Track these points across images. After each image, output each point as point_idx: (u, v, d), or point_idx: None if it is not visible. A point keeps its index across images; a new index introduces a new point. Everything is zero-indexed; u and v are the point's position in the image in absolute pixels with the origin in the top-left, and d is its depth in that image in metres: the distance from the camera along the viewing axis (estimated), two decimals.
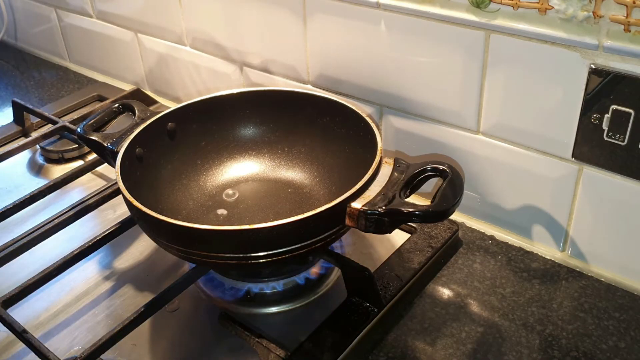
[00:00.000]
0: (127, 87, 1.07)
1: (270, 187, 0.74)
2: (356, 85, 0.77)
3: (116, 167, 0.63)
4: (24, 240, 0.70)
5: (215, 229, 0.55)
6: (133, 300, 0.66)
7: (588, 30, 0.56)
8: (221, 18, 0.87)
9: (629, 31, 0.54)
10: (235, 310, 0.64)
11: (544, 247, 0.69)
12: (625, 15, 0.53)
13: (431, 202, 0.54)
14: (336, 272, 0.67)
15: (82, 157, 0.90)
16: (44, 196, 0.77)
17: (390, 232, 0.57)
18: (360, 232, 0.57)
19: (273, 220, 0.53)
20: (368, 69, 0.74)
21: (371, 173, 0.58)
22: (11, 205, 0.74)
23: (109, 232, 0.69)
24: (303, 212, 0.54)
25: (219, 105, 0.74)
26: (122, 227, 0.70)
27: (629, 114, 0.56)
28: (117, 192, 0.75)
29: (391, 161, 0.60)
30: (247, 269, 0.64)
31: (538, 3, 0.58)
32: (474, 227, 0.73)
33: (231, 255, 0.56)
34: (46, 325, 0.63)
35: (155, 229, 0.59)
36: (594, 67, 0.57)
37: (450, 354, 0.58)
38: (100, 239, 0.68)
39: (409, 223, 0.71)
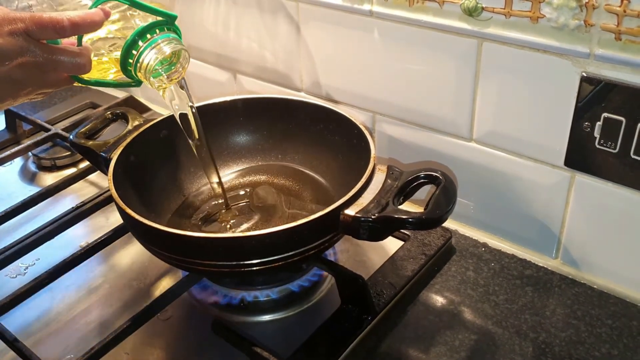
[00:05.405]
0: (120, 95, 1.07)
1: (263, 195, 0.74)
2: (349, 93, 0.77)
3: (109, 174, 0.63)
4: (16, 248, 0.69)
5: (208, 236, 0.55)
6: (125, 308, 0.65)
7: (579, 38, 0.56)
8: (215, 26, 0.87)
9: (620, 39, 0.54)
10: (229, 318, 0.63)
11: (537, 255, 0.69)
12: (616, 23, 0.54)
13: (424, 209, 0.54)
14: (330, 280, 0.67)
15: (74, 164, 0.90)
16: (37, 204, 0.77)
17: (383, 239, 0.57)
18: (354, 239, 0.57)
19: (266, 228, 0.53)
20: (361, 76, 0.75)
21: (364, 180, 0.58)
22: (3, 213, 0.74)
23: (102, 240, 0.69)
24: (296, 220, 0.54)
25: (212, 112, 0.74)
26: (115, 235, 0.70)
27: (621, 121, 0.57)
28: (110, 199, 0.74)
29: (384, 168, 0.60)
30: (240, 276, 0.64)
31: (530, 11, 0.58)
32: (467, 235, 0.73)
33: (224, 263, 0.56)
34: (38, 334, 0.63)
35: (148, 237, 0.58)
36: (585, 75, 0.57)
37: None
38: (92, 246, 0.68)
39: (403, 230, 0.71)
